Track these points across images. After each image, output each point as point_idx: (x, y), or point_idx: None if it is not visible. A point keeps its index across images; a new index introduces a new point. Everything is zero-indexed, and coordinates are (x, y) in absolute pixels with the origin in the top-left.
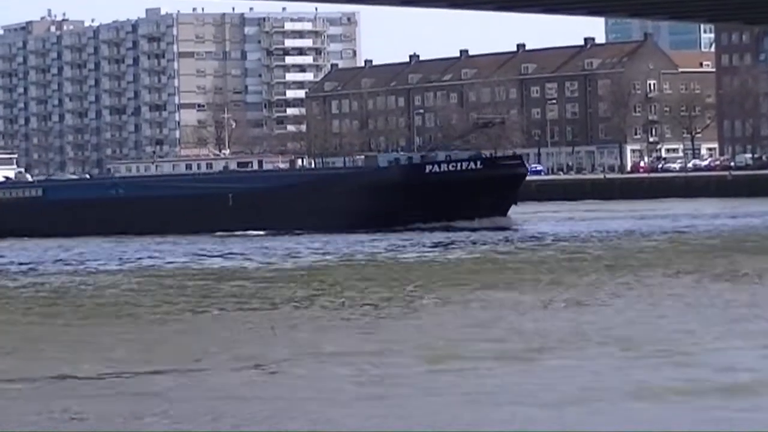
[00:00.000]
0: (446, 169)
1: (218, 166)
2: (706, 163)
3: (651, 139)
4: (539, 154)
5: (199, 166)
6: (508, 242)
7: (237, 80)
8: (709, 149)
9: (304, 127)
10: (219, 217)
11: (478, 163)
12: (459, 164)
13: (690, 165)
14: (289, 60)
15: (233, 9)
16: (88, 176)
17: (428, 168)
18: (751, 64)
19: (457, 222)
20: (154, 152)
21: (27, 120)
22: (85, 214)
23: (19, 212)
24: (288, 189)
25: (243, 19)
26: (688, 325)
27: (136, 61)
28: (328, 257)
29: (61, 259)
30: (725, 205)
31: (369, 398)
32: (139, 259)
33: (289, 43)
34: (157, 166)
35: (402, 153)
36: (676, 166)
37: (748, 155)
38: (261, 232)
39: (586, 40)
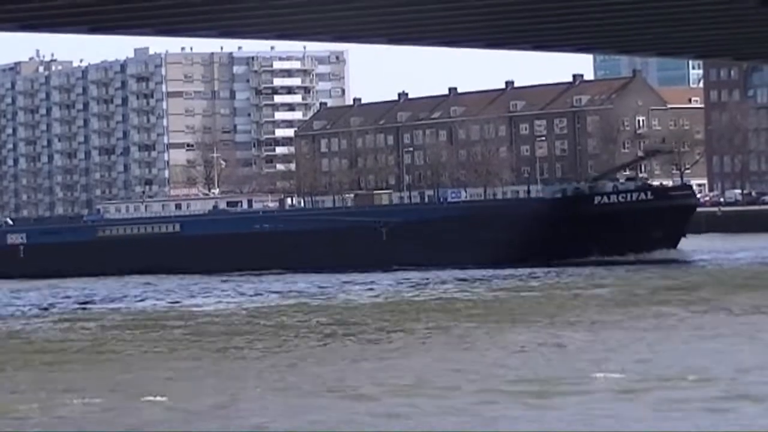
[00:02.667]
0: (616, 200)
1: (208, 205)
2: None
3: (640, 175)
4: (528, 192)
5: (188, 206)
6: None
7: (226, 119)
8: (699, 185)
9: (293, 166)
10: (372, 251)
11: (649, 193)
12: (629, 195)
13: None
14: (278, 99)
15: (222, 48)
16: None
17: (597, 199)
18: (740, 100)
19: (627, 255)
20: (143, 192)
21: (16, 161)
22: (223, 249)
23: (157, 248)
24: (446, 221)
25: (231, 59)
26: None
27: (124, 101)
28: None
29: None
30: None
31: None
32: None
33: (278, 82)
34: (146, 206)
35: (566, 183)
36: None
37: (738, 191)
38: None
39: (574, 76)
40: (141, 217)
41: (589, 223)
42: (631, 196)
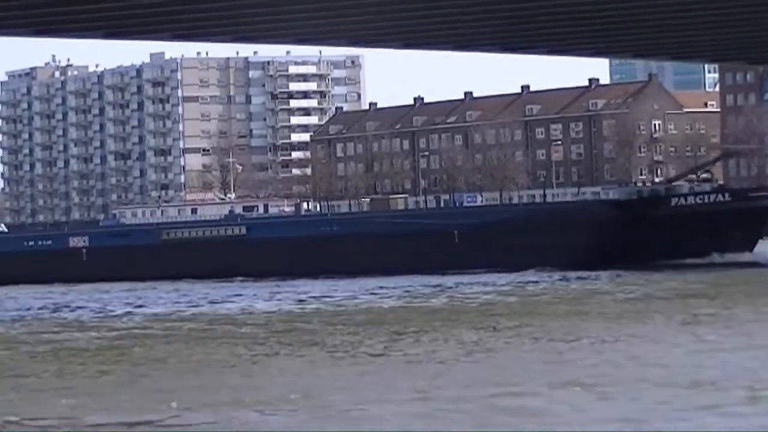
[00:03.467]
0: (693, 201)
1: (224, 210)
2: None
3: (656, 179)
4: (545, 195)
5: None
6: None
7: (242, 124)
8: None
9: (309, 171)
10: (445, 254)
11: (726, 195)
12: (705, 196)
13: None
14: (294, 103)
15: (237, 53)
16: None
17: (673, 201)
18: (756, 104)
19: (706, 257)
20: (159, 197)
21: (32, 166)
22: (290, 252)
23: (222, 252)
24: (518, 224)
25: (247, 63)
26: None
27: (140, 105)
28: None
29: None
30: None
31: None
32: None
33: (294, 86)
34: (162, 211)
35: (639, 185)
36: None
37: None
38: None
39: (590, 80)
40: (206, 220)
41: (666, 225)
42: (708, 198)
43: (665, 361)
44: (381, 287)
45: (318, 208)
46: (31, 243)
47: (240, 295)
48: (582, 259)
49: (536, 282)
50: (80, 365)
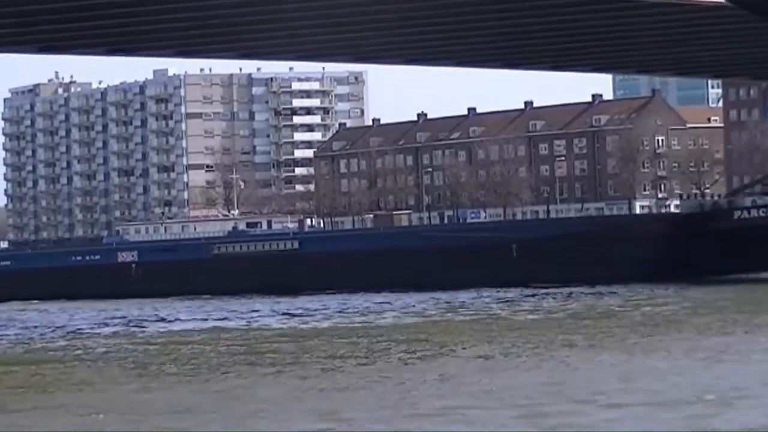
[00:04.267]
0: (756, 214)
1: (227, 226)
2: None
3: (660, 195)
4: (548, 211)
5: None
6: None
7: (245, 141)
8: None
9: (312, 187)
10: (503, 268)
11: None
12: None
13: None
14: (297, 120)
15: (240, 69)
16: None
17: (737, 214)
18: (759, 119)
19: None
20: (162, 213)
21: (35, 182)
22: (347, 266)
23: (275, 266)
24: (575, 238)
25: (250, 80)
26: None
27: (144, 122)
28: None
29: None
30: None
31: None
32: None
33: (297, 102)
34: (166, 228)
35: (701, 198)
36: None
37: None
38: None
39: (593, 96)
40: (258, 234)
41: (729, 238)
42: None
43: None
44: (458, 299)
45: (322, 225)
46: (78, 258)
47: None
48: (642, 273)
49: (653, 294)
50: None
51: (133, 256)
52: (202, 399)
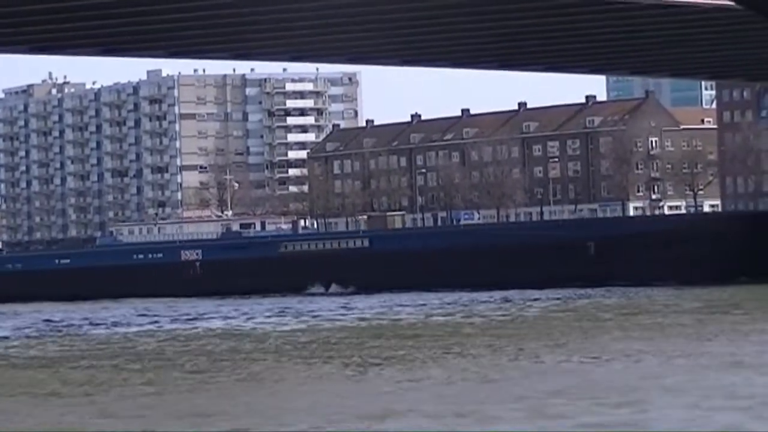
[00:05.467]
0: None
1: (221, 227)
2: None
3: (653, 197)
4: (542, 213)
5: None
6: None
7: (239, 141)
8: (712, 206)
9: (306, 188)
10: (579, 267)
11: None
12: None
13: None
14: (291, 121)
15: (234, 70)
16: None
17: None
18: (753, 121)
19: None
20: (156, 214)
21: (29, 183)
22: (418, 264)
23: (344, 264)
24: (655, 236)
25: (244, 80)
26: None
27: (137, 123)
28: None
29: None
30: None
31: None
32: None
33: (291, 103)
34: (159, 229)
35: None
36: None
37: None
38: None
39: (587, 97)
40: (327, 233)
41: None
42: None
43: None
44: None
45: (315, 226)
46: (141, 256)
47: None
48: (725, 271)
49: None
50: None
51: (197, 254)
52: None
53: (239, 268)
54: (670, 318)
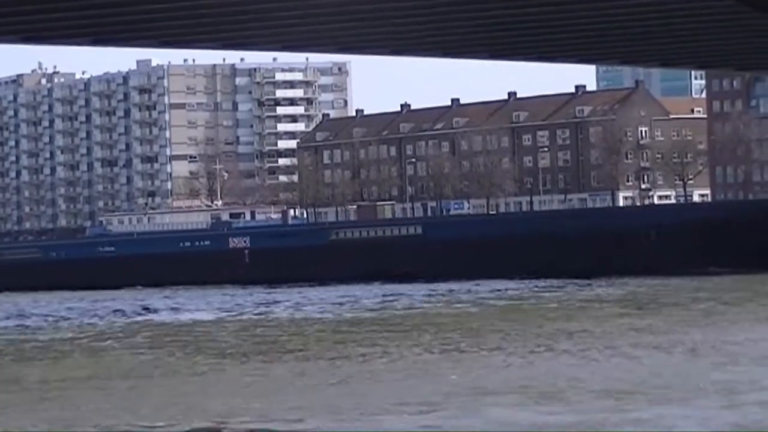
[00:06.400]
0: None
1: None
2: None
3: (643, 186)
4: (531, 203)
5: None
6: None
7: (228, 131)
8: (702, 195)
9: (296, 178)
10: (639, 256)
11: None
12: None
13: None
14: (281, 110)
15: (224, 60)
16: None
17: None
18: (743, 111)
19: None
20: (146, 204)
21: (18, 173)
22: (471, 253)
23: (396, 252)
24: (723, 222)
25: (234, 70)
26: None
27: (127, 113)
28: None
29: None
30: None
31: None
32: None
33: (280, 93)
34: (149, 219)
35: None
36: None
37: None
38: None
39: (577, 87)
40: (379, 220)
41: None
42: None
43: None
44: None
45: (305, 215)
46: (188, 244)
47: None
48: None
49: None
50: None
51: (245, 242)
52: None
53: (288, 256)
54: None
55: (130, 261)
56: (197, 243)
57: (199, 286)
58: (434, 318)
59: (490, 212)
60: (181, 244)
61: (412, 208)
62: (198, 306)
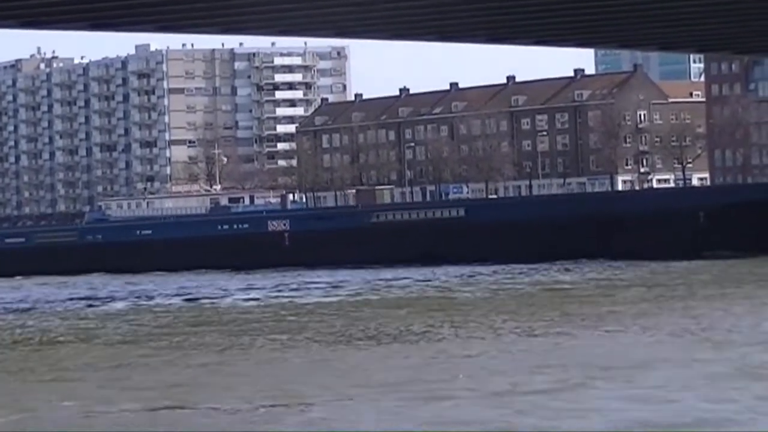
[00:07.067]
0: None
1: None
2: None
3: (642, 170)
4: (530, 186)
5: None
6: None
7: (227, 116)
8: (700, 179)
9: (294, 162)
10: (687, 237)
11: None
12: None
13: None
14: (279, 95)
15: (223, 44)
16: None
17: None
18: (741, 94)
19: None
20: (145, 189)
21: (17, 158)
22: (515, 236)
23: (438, 235)
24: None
25: (233, 55)
26: None
27: (126, 97)
28: None
29: None
30: None
31: None
32: None
33: (279, 77)
34: (148, 203)
35: None
36: None
37: None
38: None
39: (575, 71)
40: (421, 202)
41: None
42: None
43: None
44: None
45: (304, 200)
46: (226, 227)
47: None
48: None
49: None
50: None
51: (284, 224)
52: None
53: (328, 238)
54: None
55: (168, 244)
56: (236, 226)
57: (236, 270)
58: (528, 299)
59: (536, 194)
60: (220, 227)
61: (411, 193)
62: (265, 286)
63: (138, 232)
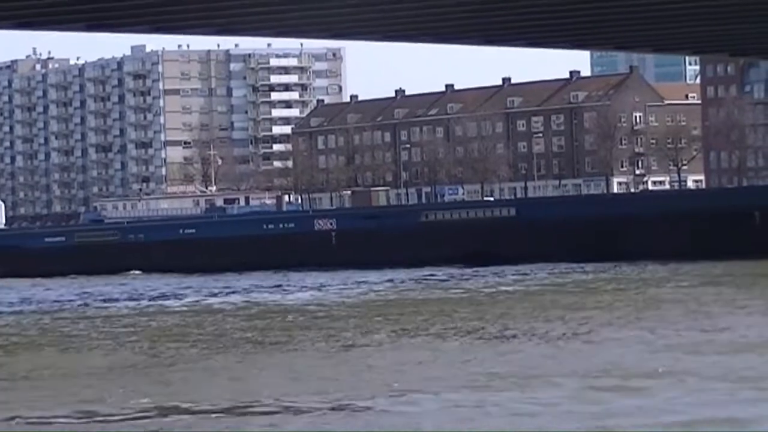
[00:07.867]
0: None
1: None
2: None
3: (637, 172)
4: (526, 188)
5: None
6: None
7: (223, 117)
8: (696, 181)
9: (290, 163)
10: (741, 238)
11: None
12: None
13: None
14: (275, 96)
15: (218, 46)
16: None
17: None
18: (737, 96)
19: None
20: (140, 189)
21: (13, 159)
22: (568, 235)
23: (490, 234)
24: None
25: (228, 56)
26: None
27: (121, 98)
28: None
29: None
30: None
31: None
32: None
33: (275, 79)
34: (143, 204)
35: None
36: None
37: None
38: None
39: (571, 73)
40: (471, 201)
41: None
42: None
43: None
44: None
45: (299, 201)
46: (271, 226)
47: None
48: None
49: None
50: None
51: (331, 224)
52: None
53: (376, 238)
54: None
55: (212, 243)
56: (281, 225)
57: (283, 269)
58: (599, 295)
59: (589, 194)
60: (265, 227)
61: (407, 194)
62: (327, 282)
63: (181, 230)
